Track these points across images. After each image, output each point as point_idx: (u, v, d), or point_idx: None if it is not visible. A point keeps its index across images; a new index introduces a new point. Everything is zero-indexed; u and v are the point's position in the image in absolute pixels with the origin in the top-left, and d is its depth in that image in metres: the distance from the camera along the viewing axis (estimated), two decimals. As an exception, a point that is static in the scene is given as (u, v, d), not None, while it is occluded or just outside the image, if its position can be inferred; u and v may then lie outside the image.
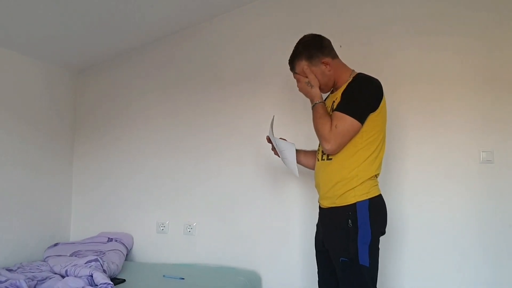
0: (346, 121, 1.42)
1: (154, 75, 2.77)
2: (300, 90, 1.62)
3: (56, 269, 2.12)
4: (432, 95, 2.09)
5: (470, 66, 2.05)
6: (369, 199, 1.44)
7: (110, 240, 2.59)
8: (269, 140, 1.77)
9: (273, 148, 1.79)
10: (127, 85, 2.86)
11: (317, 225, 1.69)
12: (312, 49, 1.56)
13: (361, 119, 1.43)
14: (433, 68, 2.10)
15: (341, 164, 1.48)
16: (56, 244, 2.58)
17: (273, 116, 1.79)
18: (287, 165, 1.72)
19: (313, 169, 1.72)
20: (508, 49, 2.00)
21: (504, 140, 1.97)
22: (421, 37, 2.13)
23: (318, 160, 1.62)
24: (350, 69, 1.60)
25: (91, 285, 1.89)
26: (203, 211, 2.53)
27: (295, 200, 2.31)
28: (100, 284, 1.86)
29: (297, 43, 1.61)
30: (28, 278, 1.94)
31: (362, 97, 1.46)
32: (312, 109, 1.55)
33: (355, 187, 1.45)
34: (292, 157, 1.68)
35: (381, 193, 1.51)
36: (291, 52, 1.62)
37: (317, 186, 1.61)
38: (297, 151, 1.73)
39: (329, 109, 1.55)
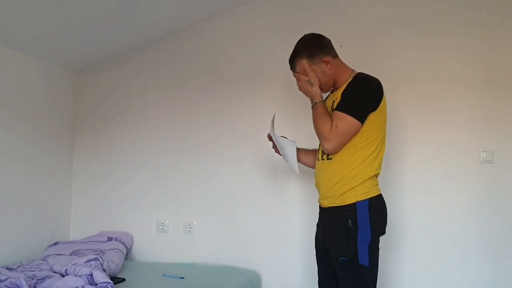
0: (346, 121, 1.42)
1: (154, 75, 2.78)
2: (300, 89, 1.62)
3: (56, 268, 2.12)
4: (432, 95, 2.09)
5: (470, 66, 2.05)
6: (369, 198, 1.44)
7: (110, 239, 2.59)
8: (270, 138, 1.77)
9: (274, 146, 1.80)
10: (127, 85, 2.86)
11: (317, 224, 1.69)
12: (312, 47, 1.56)
13: (361, 118, 1.44)
14: (433, 68, 2.10)
15: (341, 163, 1.48)
16: (56, 243, 2.58)
17: (274, 114, 1.79)
18: (288, 162, 1.72)
19: (313, 167, 1.72)
20: (508, 49, 2.00)
21: (504, 140, 1.97)
22: (421, 37, 2.14)
23: (318, 160, 1.62)
24: (350, 68, 1.60)
25: (91, 284, 1.89)
26: (203, 211, 2.53)
27: (295, 199, 2.31)
28: (100, 283, 1.86)
29: (297, 42, 1.62)
30: (28, 277, 1.94)
31: (363, 97, 1.46)
32: (312, 108, 1.55)
33: (355, 186, 1.45)
34: (293, 154, 1.69)
35: (381, 193, 1.51)
36: (291, 51, 1.62)
37: (317, 186, 1.61)
38: (298, 149, 1.74)
39: (329, 108, 1.55)
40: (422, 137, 2.09)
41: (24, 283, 1.80)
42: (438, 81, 2.09)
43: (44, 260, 2.37)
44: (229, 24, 2.58)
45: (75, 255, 2.39)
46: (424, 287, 2.02)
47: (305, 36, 1.62)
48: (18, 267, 2.19)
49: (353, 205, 1.43)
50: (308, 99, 1.62)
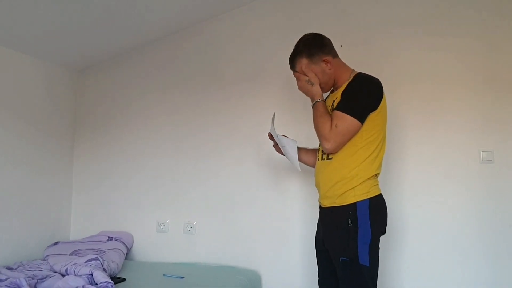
0: (346, 121, 1.42)
1: (154, 75, 2.78)
2: (300, 88, 1.62)
3: (56, 268, 2.12)
4: (432, 95, 2.09)
5: (470, 66, 2.05)
6: (369, 198, 1.44)
7: (110, 239, 2.59)
8: (270, 137, 1.77)
9: (275, 145, 1.80)
10: (127, 85, 2.86)
11: (317, 224, 1.69)
12: (312, 47, 1.56)
13: (361, 118, 1.44)
14: (433, 68, 2.10)
15: (341, 163, 1.48)
16: (56, 243, 2.58)
17: (274, 112, 1.79)
18: (289, 160, 1.73)
19: (314, 166, 1.72)
20: (508, 49, 2.00)
21: (504, 140, 1.97)
22: (421, 37, 2.14)
23: (318, 160, 1.62)
24: (351, 68, 1.60)
25: (91, 284, 1.89)
26: (203, 211, 2.53)
27: (295, 199, 2.31)
28: (100, 283, 1.86)
29: (297, 42, 1.62)
30: (29, 277, 1.94)
31: (363, 97, 1.46)
32: (312, 107, 1.55)
33: (355, 186, 1.45)
34: (294, 152, 1.70)
35: (381, 193, 1.51)
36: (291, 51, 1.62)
37: (317, 186, 1.61)
38: (298, 148, 1.74)
39: (329, 108, 1.55)
40: (422, 137, 2.09)
41: (24, 283, 1.80)
42: (438, 81, 2.09)
43: (44, 260, 2.37)
44: (229, 24, 2.58)
45: (75, 255, 2.39)
46: (424, 287, 2.02)
47: (305, 35, 1.62)
48: (19, 266, 2.19)
49: (353, 205, 1.43)
50: (308, 99, 1.62)
